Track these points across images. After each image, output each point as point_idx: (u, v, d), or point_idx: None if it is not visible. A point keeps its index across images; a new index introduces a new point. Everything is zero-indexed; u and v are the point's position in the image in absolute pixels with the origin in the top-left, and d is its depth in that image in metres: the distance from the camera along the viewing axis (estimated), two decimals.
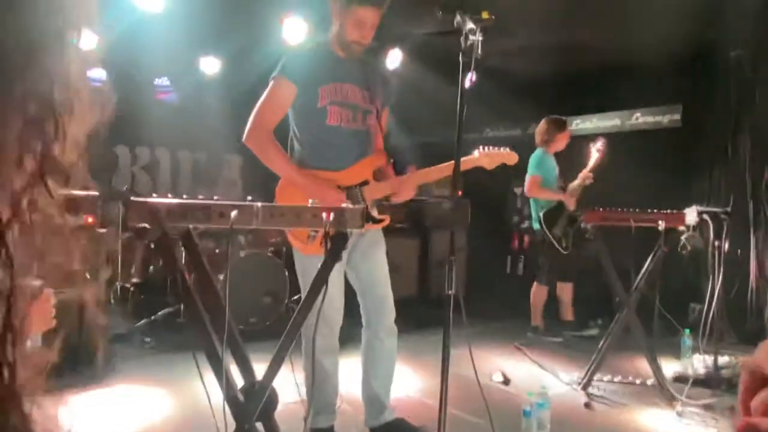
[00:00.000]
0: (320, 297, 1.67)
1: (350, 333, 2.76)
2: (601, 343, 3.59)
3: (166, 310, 4.73)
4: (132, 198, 1.61)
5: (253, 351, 1.95)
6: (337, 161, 2.35)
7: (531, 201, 4.87)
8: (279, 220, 1.64)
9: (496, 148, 2.56)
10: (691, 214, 3.46)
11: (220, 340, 1.62)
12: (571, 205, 4.60)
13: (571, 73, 5.41)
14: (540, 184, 4.67)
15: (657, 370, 3.49)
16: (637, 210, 3.40)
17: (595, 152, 4.51)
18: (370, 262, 2.48)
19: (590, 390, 3.47)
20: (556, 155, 4.81)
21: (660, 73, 5.01)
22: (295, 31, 4.96)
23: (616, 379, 3.72)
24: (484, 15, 2.12)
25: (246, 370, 1.90)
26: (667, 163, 4.33)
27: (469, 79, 2.16)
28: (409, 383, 3.56)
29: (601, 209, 3.44)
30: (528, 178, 4.69)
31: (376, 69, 2.53)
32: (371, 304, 2.51)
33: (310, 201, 1.71)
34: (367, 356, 2.56)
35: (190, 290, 1.61)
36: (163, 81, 6.23)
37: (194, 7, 4.71)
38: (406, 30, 4.58)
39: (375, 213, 2.42)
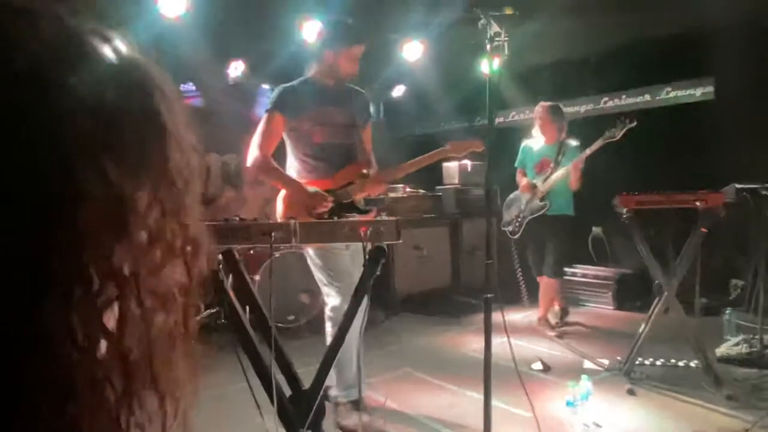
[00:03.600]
0: (363, 308, 1.71)
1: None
2: (642, 326, 3.55)
3: (207, 312, 4.86)
4: None
5: (295, 348, 2.01)
6: (325, 171, 2.81)
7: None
8: (317, 236, 1.68)
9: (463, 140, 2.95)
10: (729, 192, 3.37)
11: (267, 356, 1.67)
12: (526, 192, 4.46)
13: (598, 52, 5.29)
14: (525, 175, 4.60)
15: (701, 352, 3.42)
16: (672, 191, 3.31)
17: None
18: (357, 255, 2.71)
19: (633, 375, 3.44)
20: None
21: (690, 46, 4.85)
22: (314, 33, 4.97)
23: (658, 363, 3.68)
24: (508, 11, 2.10)
25: (291, 379, 1.95)
26: (699, 139, 4.19)
27: (493, 64, 2.17)
28: (450, 375, 3.58)
29: (636, 193, 3.38)
30: None
31: (354, 92, 2.96)
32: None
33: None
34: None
35: (237, 312, 1.66)
36: (188, 86, 6.32)
37: (215, 12, 4.76)
38: (427, 21, 4.53)
39: (362, 206, 2.87)
